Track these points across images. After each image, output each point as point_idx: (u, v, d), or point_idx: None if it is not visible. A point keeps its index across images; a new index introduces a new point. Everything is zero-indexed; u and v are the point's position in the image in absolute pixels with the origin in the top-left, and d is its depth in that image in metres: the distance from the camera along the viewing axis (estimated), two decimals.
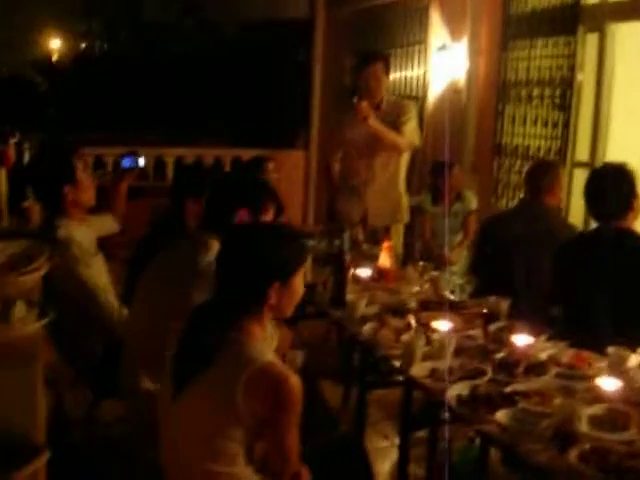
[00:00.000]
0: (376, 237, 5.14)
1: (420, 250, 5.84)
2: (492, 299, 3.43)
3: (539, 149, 6.24)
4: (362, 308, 3.55)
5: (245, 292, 2.30)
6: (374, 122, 5.01)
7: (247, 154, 8.27)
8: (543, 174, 4.23)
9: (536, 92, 6.24)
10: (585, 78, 6.03)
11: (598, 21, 5.94)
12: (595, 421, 2.42)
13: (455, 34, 7.28)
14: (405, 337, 3.11)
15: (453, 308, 3.51)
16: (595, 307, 3.34)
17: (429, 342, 3.05)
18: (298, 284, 2.39)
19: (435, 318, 3.30)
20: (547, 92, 6.18)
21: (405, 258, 5.05)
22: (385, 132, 5.07)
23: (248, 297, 2.30)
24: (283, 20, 12.49)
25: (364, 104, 4.98)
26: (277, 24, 13.24)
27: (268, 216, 3.09)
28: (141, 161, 4.16)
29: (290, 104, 11.37)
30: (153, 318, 2.86)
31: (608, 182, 3.58)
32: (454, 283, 4.49)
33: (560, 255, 3.66)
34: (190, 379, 2.24)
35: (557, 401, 2.48)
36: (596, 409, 2.47)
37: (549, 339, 3.11)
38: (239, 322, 2.28)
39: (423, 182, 6.60)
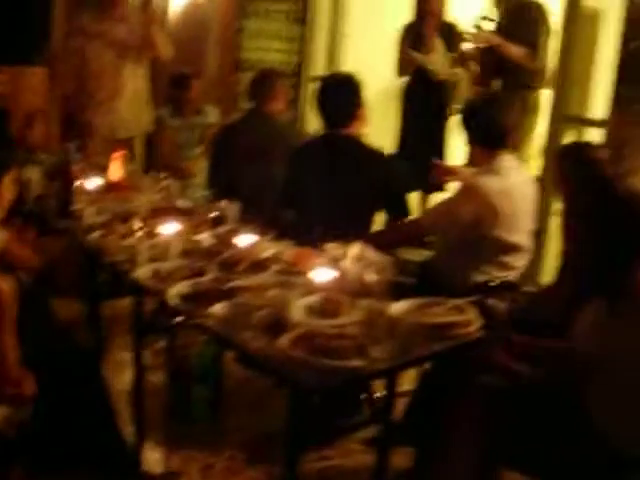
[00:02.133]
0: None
1: (161, 162, 5.75)
2: (222, 204, 3.45)
3: (278, 63, 6.31)
4: (90, 217, 3.45)
5: None
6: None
7: None
8: (266, 82, 4.29)
9: (275, 7, 6.28)
10: None
11: None
12: (309, 310, 2.52)
13: None
14: (128, 242, 3.06)
15: (183, 214, 3.49)
16: (319, 207, 3.46)
17: (154, 246, 3.02)
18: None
19: (163, 222, 3.25)
20: (285, 7, 6.24)
21: (146, 169, 4.99)
22: None
23: None
24: None
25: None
26: None
27: None
28: None
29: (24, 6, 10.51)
30: None
31: (334, 91, 3.70)
32: (194, 195, 4.48)
33: (290, 159, 3.74)
34: None
35: (271, 293, 2.54)
36: (310, 299, 2.57)
37: (274, 239, 3.18)
38: None
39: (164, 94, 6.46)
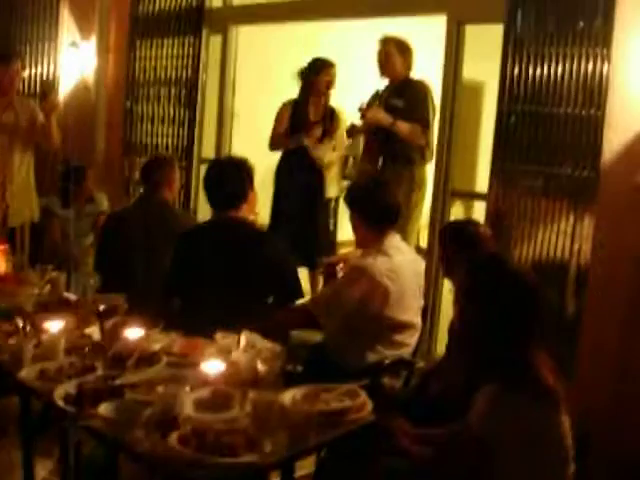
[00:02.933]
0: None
1: (49, 252, 5.65)
2: (108, 296, 3.39)
3: (167, 147, 6.34)
4: None
5: None
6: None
7: None
8: (157, 168, 4.29)
9: (163, 91, 6.33)
10: (209, 78, 6.24)
11: (221, 23, 6.17)
12: (200, 404, 2.47)
13: (85, 32, 7.13)
14: (12, 340, 2.97)
15: (70, 307, 3.41)
16: (207, 293, 3.44)
17: (40, 344, 2.94)
18: None
19: (49, 319, 3.17)
20: (174, 91, 6.30)
21: (32, 260, 4.86)
22: None
23: None
24: None
25: None
26: None
27: None
28: None
29: None
30: None
31: (222, 175, 3.72)
32: (84, 283, 4.39)
33: (178, 244, 3.71)
34: None
35: (161, 388, 2.50)
36: (200, 393, 2.53)
37: (164, 330, 3.14)
38: None
39: (54, 183, 6.38)
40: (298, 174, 5.60)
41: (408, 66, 5.33)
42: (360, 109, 5.27)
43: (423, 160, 5.28)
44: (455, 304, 2.72)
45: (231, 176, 3.67)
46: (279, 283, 3.62)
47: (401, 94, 5.28)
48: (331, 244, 5.67)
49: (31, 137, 5.25)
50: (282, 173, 5.73)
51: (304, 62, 5.61)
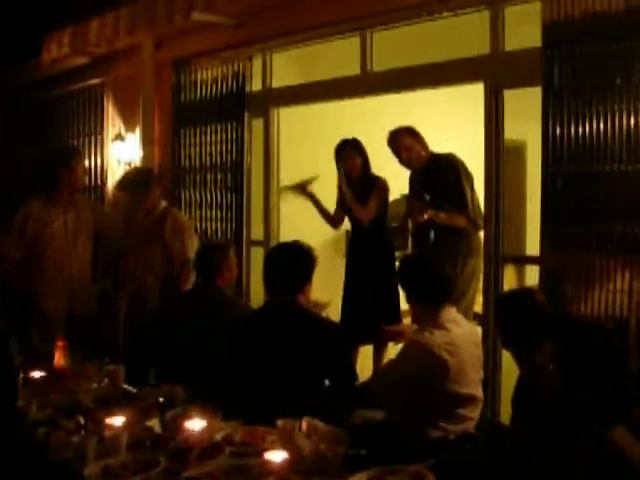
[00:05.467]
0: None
1: (105, 341, 5.69)
2: (166, 387, 3.39)
3: (217, 231, 6.41)
4: (33, 413, 3.35)
5: None
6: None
7: None
8: (210, 256, 4.31)
9: (210, 176, 6.44)
10: (254, 161, 6.32)
11: (262, 106, 6.29)
12: None
13: (129, 124, 7.35)
14: (75, 438, 2.97)
15: (130, 400, 3.42)
16: (266, 380, 3.41)
17: (102, 439, 2.94)
18: None
19: (110, 414, 3.18)
20: (220, 176, 6.40)
21: (89, 351, 4.90)
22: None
23: None
24: None
25: None
26: None
27: None
28: None
29: None
30: None
31: (284, 259, 3.71)
32: None
33: (231, 333, 3.70)
34: None
35: None
36: None
37: (224, 419, 3.12)
38: None
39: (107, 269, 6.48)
40: (364, 245, 5.64)
41: (427, 146, 5.35)
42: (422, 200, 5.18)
43: (475, 227, 5.22)
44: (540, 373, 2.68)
45: (292, 263, 3.65)
46: (336, 367, 3.56)
47: (432, 176, 5.24)
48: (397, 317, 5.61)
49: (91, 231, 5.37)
50: (350, 247, 5.81)
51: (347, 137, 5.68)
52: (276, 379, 3.42)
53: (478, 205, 5.18)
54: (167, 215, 5.33)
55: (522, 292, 3.67)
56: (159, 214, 5.32)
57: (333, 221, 5.82)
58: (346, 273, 5.74)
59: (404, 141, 5.29)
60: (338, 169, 5.62)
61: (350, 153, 5.57)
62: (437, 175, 5.20)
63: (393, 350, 5.47)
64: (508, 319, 3.26)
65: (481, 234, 5.21)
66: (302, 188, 5.73)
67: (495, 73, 4.84)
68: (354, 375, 3.63)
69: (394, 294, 5.40)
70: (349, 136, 5.65)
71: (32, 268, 5.23)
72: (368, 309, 5.43)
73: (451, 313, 3.52)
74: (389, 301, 5.48)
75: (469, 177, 5.17)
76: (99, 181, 7.85)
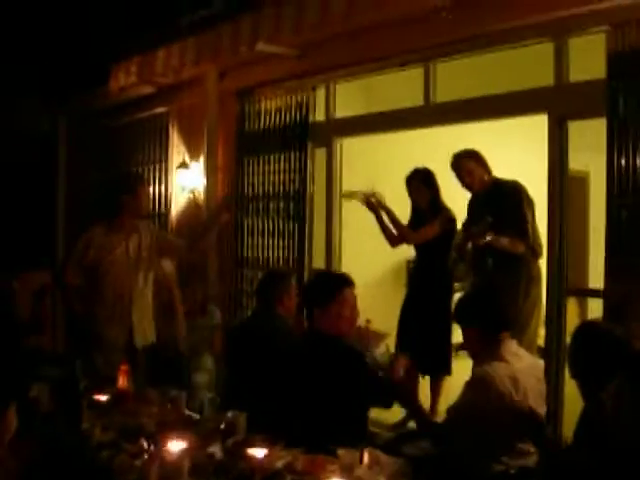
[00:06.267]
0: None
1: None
2: (229, 414, 3.42)
3: (278, 259, 6.45)
4: (97, 435, 3.41)
5: None
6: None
7: None
8: (271, 284, 4.35)
9: (272, 205, 6.50)
10: (316, 190, 6.37)
11: (325, 136, 6.34)
12: None
13: (194, 152, 7.47)
14: (138, 462, 3.01)
15: (191, 426, 3.45)
16: (306, 410, 3.43)
17: (164, 464, 2.97)
18: None
19: (171, 439, 3.22)
20: (282, 204, 6.46)
21: (151, 381, 4.95)
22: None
23: None
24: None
25: None
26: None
27: None
28: None
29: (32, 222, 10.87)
30: None
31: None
32: (202, 400, 4.46)
33: (279, 362, 3.73)
34: None
35: None
36: None
37: (285, 447, 3.14)
38: None
39: None
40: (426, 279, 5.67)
41: (490, 170, 5.32)
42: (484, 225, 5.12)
43: (534, 255, 5.15)
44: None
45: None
46: (375, 396, 3.61)
47: (494, 200, 5.20)
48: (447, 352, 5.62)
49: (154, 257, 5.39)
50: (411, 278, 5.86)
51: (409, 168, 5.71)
52: (314, 409, 3.45)
53: (537, 233, 5.12)
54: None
55: (601, 324, 3.60)
56: None
57: (392, 238, 5.79)
58: (404, 302, 5.76)
59: (467, 164, 5.29)
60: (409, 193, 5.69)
61: (418, 184, 5.64)
62: (499, 199, 5.17)
63: (452, 381, 5.53)
64: (582, 350, 3.17)
65: (540, 263, 5.16)
66: (366, 198, 5.68)
67: (560, 104, 4.81)
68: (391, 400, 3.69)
69: (447, 326, 5.41)
70: (407, 163, 5.69)
71: (93, 293, 5.21)
72: (421, 339, 5.45)
73: (512, 346, 3.49)
74: (441, 333, 5.51)
75: (530, 204, 5.12)
76: (163, 208, 7.98)
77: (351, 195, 5.76)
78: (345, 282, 3.67)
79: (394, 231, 5.72)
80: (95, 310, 5.20)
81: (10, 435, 2.87)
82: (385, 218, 5.69)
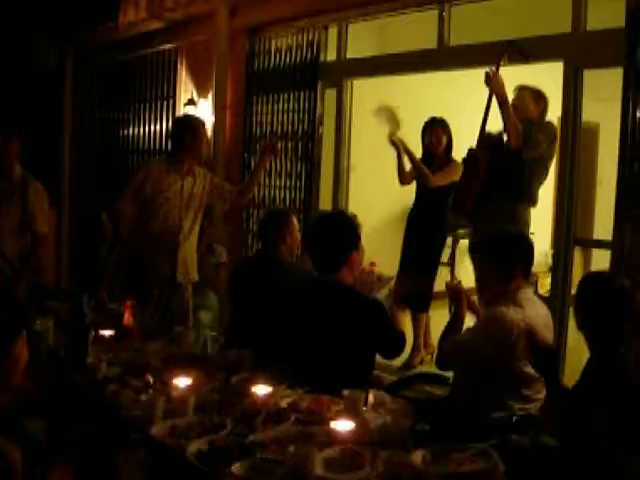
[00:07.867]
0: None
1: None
2: (234, 352, 3.44)
3: (285, 200, 6.43)
4: (103, 370, 3.42)
5: None
6: None
7: None
8: (272, 223, 4.34)
9: (280, 145, 6.44)
10: (326, 131, 6.31)
11: (336, 77, 6.26)
12: (330, 463, 2.47)
13: (202, 89, 7.39)
14: (144, 397, 3.04)
15: (196, 363, 3.47)
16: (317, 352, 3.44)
17: (170, 400, 3.00)
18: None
19: (177, 375, 3.24)
20: (291, 145, 6.41)
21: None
22: None
23: None
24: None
25: None
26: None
27: None
28: None
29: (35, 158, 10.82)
30: None
31: (323, 234, 3.68)
32: (205, 337, 4.48)
33: (289, 302, 3.72)
34: None
35: (292, 447, 2.50)
36: (330, 452, 2.52)
37: (289, 387, 3.16)
38: None
39: None
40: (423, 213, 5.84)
41: (541, 112, 5.21)
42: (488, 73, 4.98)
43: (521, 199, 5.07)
44: None
45: (331, 236, 3.61)
46: (382, 338, 3.60)
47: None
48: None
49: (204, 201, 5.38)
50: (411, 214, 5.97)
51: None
52: (320, 352, 3.46)
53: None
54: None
55: (607, 274, 3.59)
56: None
57: (404, 177, 5.89)
58: (404, 236, 5.92)
59: (522, 93, 5.19)
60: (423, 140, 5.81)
61: (438, 130, 5.76)
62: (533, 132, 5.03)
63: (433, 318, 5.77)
64: (589, 301, 3.15)
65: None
66: (391, 134, 5.78)
67: (576, 52, 4.73)
68: (400, 339, 3.68)
69: (433, 266, 5.82)
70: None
71: (142, 226, 5.24)
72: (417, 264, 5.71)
73: (528, 292, 3.49)
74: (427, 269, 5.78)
75: (550, 135, 5.00)
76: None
77: (379, 113, 5.88)
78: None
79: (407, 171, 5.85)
80: (142, 243, 5.24)
81: (24, 363, 2.89)
82: (404, 158, 5.80)
